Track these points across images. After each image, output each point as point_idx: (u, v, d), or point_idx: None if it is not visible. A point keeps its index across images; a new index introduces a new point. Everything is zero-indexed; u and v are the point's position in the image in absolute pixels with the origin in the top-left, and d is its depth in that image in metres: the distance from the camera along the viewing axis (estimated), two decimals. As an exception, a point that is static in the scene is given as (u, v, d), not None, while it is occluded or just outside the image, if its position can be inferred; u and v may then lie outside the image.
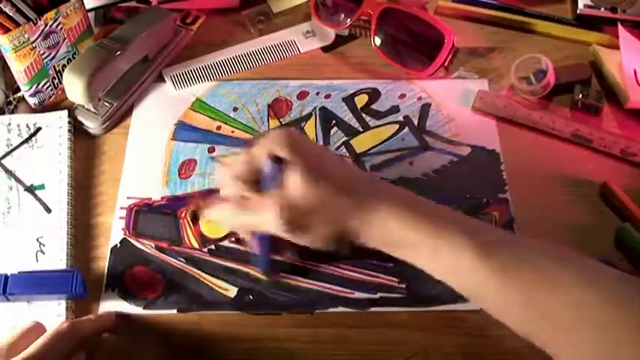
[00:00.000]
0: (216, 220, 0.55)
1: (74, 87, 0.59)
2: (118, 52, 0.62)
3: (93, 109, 0.63)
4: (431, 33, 0.66)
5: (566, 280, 0.40)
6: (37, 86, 0.63)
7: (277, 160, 0.47)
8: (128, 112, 0.66)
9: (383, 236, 0.47)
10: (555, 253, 0.43)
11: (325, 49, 0.71)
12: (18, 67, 0.61)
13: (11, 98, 0.65)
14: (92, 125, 0.63)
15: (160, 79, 0.68)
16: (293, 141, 0.48)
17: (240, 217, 0.50)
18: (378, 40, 0.68)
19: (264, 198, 0.48)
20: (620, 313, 0.38)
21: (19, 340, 0.46)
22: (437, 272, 0.46)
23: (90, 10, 0.72)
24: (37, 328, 0.48)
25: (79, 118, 0.64)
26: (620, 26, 0.68)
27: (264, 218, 0.47)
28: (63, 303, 0.52)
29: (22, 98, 0.65)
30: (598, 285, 0.40)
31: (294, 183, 0.46)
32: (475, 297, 0.45)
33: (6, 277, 0.51)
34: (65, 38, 0.63)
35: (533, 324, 0.42)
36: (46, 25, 0.61)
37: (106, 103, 0.64)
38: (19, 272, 0.51)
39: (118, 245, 0.57)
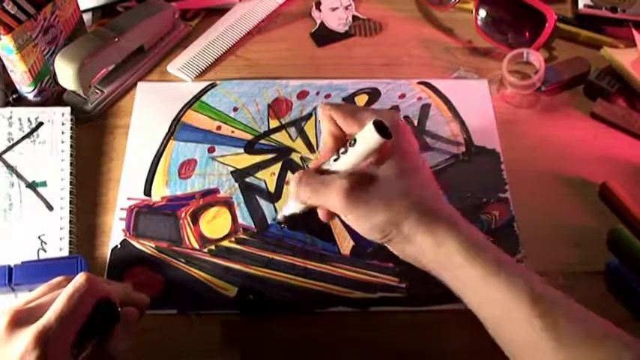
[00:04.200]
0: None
1: (65, 73, 0.60)
2: (114, 40, 0.62)
3: (83, 95, 0.64)
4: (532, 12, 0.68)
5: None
6: (40, 84, 0.64)
7: (380, 131, 0.43)
8: (121, 102, 0.66)
9: (431, 251, 0.45)
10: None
11: (321, 43, 0.72)
12: (23, 68, 0.61)
13: (10, 98, 0.65)
14: (80, 110, 0.64)
15: (161, 79, 0.69)
16: (403, 125, 0.48)
17: (311, 181, 0.47)
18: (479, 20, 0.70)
19: (335, 175, 0.46)
20: None
21: (39, 304, 0.42)
22: (475, 301, 0.45)
23: (89, 10, 0.72)
24: (59, 285, 0.45)
25: (68, 101, 0.65)
26: (634, 31, 0.68)
27: (331, 185, 0.45)
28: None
29: (22, 97, 0.65)
30: None
31: (393, 160, 0.45)
32: (503, 333, 0.44)
33: (10, 268, 0.51)
34: (62, 31, 0.64)
35: None
36: (45, 20, 0.61)
37: (97, 90, 0.65)
38: (22, 262, 0.52)
39: (119, 246, 0.57)
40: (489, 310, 0.44)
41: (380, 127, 0.42)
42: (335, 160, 0.46)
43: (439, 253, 0.44)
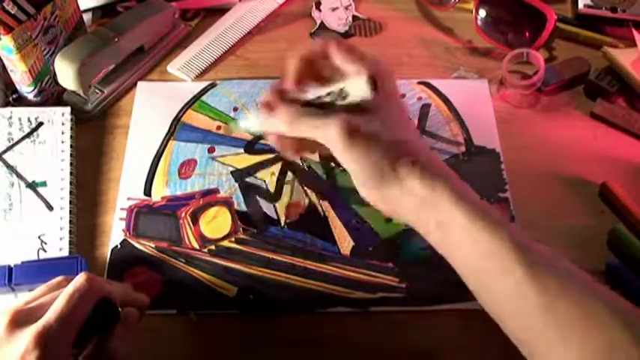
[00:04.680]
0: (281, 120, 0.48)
1: (65, 73, 0.60)
2: (114, 40, 0.62)
3: (83, 95, 0.64)
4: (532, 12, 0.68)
5: (595, 307, 0.40)
6: (40, 84, 0.64)
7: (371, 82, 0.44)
8: (121, 102, 0.66)
9: (422, 194, 0.44)
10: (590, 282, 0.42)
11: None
12: (23, 68, 0.61)
13: (10, 98, 0.65)
14: (80, 110, 0.64)
15: (161, 79, 0.69)
16: (394, 80, 0.49)
17: (307, 114, 0.46)
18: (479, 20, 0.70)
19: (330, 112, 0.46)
20: None
21: (39, 304, 0.42)
22: (458, 249, 0.44)
23: (89, 10, 0.72)
24: (59, 285, 0.45)
25: (68, 101, 0.65)
26: (634, 31, 0.68)
27: (332, 118, 0.45)
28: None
29: (21, 97, 0.65)
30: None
31: (385, 110, 0.46)
32: (485, 283, 0.44)
33: (10, 268, 0.52)
34: (62, 31, 0.64)
35: (540, 329, 0.41)
36: (45, 20, 0.61)
37: (97, 90, 0.65)
38: (22, 262, 0.52)
39: (119, 246, 0.57)
40: (472, 260, 0.44)
41: (374, 82, 0.44)
42: (324, 96, 0.46)
43: (429, 197, 0.44)
